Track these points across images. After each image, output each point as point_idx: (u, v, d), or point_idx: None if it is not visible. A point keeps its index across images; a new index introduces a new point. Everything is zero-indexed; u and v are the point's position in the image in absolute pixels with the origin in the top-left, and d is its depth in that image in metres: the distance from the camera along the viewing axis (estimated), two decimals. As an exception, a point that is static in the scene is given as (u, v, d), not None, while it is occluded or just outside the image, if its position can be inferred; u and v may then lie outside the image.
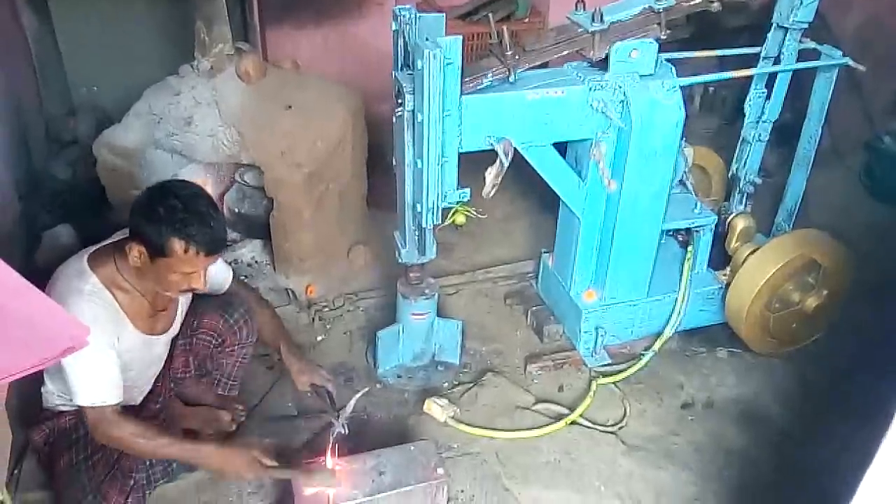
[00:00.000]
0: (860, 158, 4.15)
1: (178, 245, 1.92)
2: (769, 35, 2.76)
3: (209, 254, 1.99)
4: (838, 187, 4.03)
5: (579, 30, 2.40)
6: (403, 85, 2.23)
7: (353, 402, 2.30)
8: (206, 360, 2.43)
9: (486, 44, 2.48)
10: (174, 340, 2.34)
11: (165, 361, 2.35)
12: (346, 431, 2.27)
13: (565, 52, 2.42)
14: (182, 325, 2.34)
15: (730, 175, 3.17)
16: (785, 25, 2.67)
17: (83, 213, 3.20)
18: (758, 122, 2.94)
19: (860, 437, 1.12)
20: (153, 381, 2.34)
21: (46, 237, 3.07)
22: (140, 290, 2.07)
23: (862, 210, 3.93)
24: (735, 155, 3.10)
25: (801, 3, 2.58)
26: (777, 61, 2.78)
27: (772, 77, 2.83)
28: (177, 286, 2.04)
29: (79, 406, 2.01)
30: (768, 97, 2.88)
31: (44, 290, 1.16)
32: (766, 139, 2.99)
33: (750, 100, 2.91)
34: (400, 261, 2.61)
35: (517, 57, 2.32)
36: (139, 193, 2.04)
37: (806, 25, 2.66)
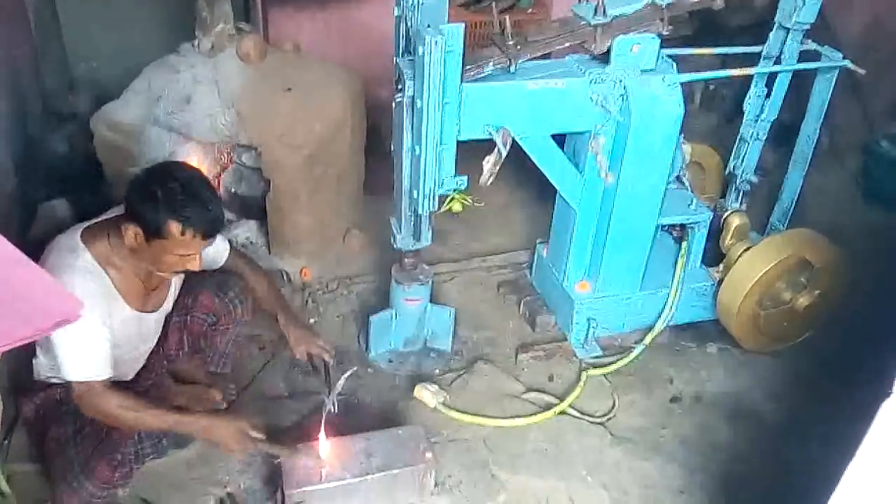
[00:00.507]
0: (857, 161, 4.17)
1: (175, 228, 1.93)
2: (771, 35, 2.76)
3: (206, 237, 2.00)
4: (834, 188, 4.05)
5: (582, 22, 2.40)
6: (404, 71, 2.23)
7: (342, 381, 2.30)
8: (200, 338, 2.43)
9: (488, 33, 2.47)
10: (168, 318, 2.35)
11: (160, 339, 2.36)
12: (336, 410, 2.28)
13: (567, 45, 2.42)
14: (177, 302, 2.34)
15: (727, 173, 3.18)
16: (787, 26, 2.67)
17: (79, 187, 3.19)
18: (756, 120, 2.95)
19: (845, 433, 1.14)
20: (146, 357, 2.35)
21: (42, 210, 3.07)
22: (133, 269, 2.07)
23: (857, 212, 3.95)
24: (733, 153, 3.11)
25: (804, 3, 2.58)
26: (778, 61, 2.78)
27: (772, 76, 2.84)
28: (172, 267, 2.05)
29: (67, 380, 2.01)
30: (768, 96, 2.89)
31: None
32: (765, 138, 3.00)
33: (749, 98, 2.92)
34: (395, 246, 2.62)
35: (519, 47, 2.32)
36: (136, 173, 2.04)
37: (808, 26, 2.66)
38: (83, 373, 1.97)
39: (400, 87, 2.27)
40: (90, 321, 1.93)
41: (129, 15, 3.77)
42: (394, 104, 2.35)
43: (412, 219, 2.52)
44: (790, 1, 2.62)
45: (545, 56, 2.44)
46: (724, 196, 3.24)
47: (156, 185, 1.93)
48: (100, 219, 2.11)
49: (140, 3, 3.79)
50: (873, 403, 1.06)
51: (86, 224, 2.08)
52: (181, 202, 1.92)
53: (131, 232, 1.96)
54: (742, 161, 3.06)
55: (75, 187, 3.20)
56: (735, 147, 3.09)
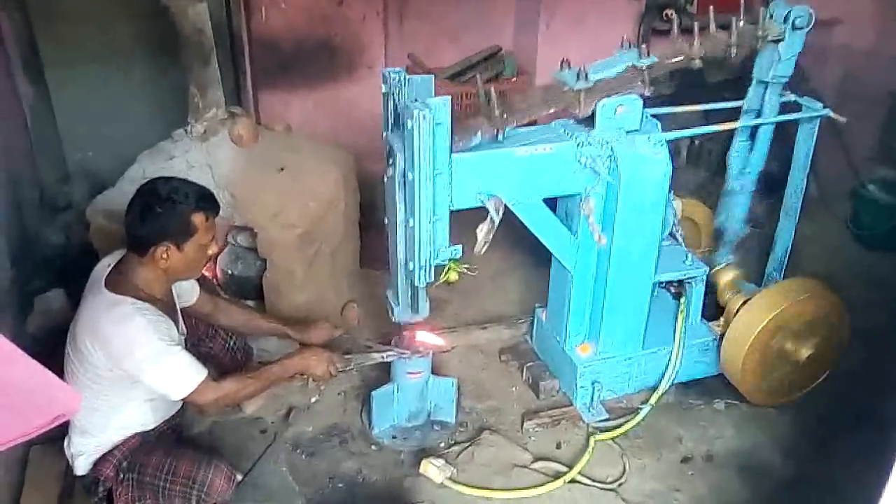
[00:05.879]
0: (847, 206, 4.21)
1: (199, 218, 2.15)
2: (750, 89, 2.80)
3: (216, 214, 2.24)
4: (827, 235, 4.08)
5: (565, 88, 2.44)
6: (394, 145, 2.27)
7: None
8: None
9: (474, 103, 2.52)
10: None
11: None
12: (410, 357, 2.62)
13: (552, 110, 2.46)
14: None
15: (715, 227, 3.20)
16: (765, 80, 2.71)
17: (75, 277, 3.18)
18: (741, 173, 2.97)
19: (860, 484, 1.11)
20: None
21: (38, 303, 3.06)
22: (159, 296, 2.20)
23: (851, 257, 3.97)
24: (718, 206, 3.12)
25: (780, 58, 2.61)
26: (759, 114, 2.83)
27: (755, 129, 2.88)
28: (202, 262, 2.27)
29: (177, 400, 2.17)
30: (752, 149, 2.93)
31: (42, 354, 1.15)
32: (752, 190, 3.02)
33: (734, 152, 2.96)
34: (393, 319, 2.61)
35: (505, 115, 2.36)
36: (131, 211, 2.15)
37: (786, 79, 2.71)
38: (188, 387, 2.11)
39: (391, 161, 2.30)
40: (164, 346, 2.05)
41: (123, 105, 3.85)
42: (385, 178, 2.37)
43: (409, 291, 2.51)
44: (766, 57, 2.67)
45: (531, 123, 2.49)
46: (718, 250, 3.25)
47: (166, 200, 2.11)
48: (106, 274, 2.17)
49: (133, 92, 3.87)
50: (886, 453, 1.05)
51: (100, 284, 2.14)
52: (187, 196, 2.13)
53: (161, 252, 2.11)
54: (730, 214, 3.07)
55: (71, 277, 3.20)
56: (721, 201, 3.10)
